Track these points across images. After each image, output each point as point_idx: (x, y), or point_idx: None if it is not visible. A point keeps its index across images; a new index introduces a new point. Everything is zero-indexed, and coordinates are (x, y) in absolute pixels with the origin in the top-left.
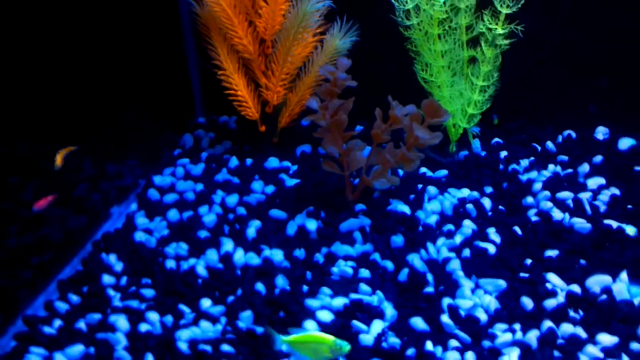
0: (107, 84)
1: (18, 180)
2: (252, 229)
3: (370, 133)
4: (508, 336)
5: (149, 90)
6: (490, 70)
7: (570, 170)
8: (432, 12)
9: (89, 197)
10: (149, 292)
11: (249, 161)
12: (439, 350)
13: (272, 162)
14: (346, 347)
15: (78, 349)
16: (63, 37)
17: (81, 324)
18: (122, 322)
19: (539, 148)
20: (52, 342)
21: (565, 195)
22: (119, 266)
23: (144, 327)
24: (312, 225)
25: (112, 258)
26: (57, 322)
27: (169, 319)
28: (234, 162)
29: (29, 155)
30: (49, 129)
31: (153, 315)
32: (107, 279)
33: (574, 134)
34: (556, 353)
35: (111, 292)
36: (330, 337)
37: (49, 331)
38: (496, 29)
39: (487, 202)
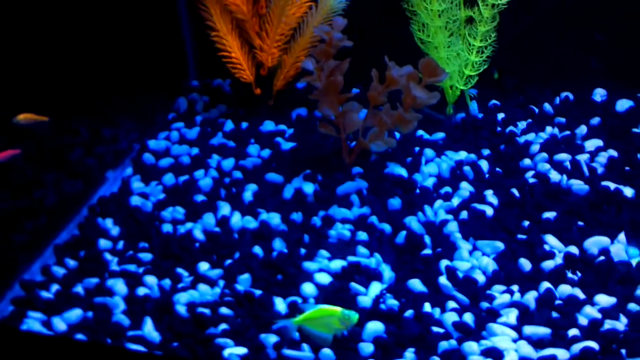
0: (100, 48)
1: (10, 144)
2: (249, 192)
3: (367, 95)
4: (506, 297)
5: (141, 53)
6: (488, 30)
7: (567, 132)
8: None
9: (83, 161)
10: (146, 256)
11: (244, 125)
12: (437, 311)
13: (268, 125)
14: (355, 316)
15: (76, 313)
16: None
17: (79, 289)
18: (119, 286)
19: (537, 110)
20: (50, 306)
21: (563, 157)
22: (115, 230)
23: (142, 291)
24: (309, 188)
25: (108, 222)
26: (55, 287)
27: (167, 282)
28: (229, 125)
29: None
30: (43, 94)
31: (151, 279)
32: (104, 243)
33: (571, 96)
34: (554, 314)
35: (108, 256)
36: (337, 309)
37: (47, 296)
38: None
39: (484, 165)
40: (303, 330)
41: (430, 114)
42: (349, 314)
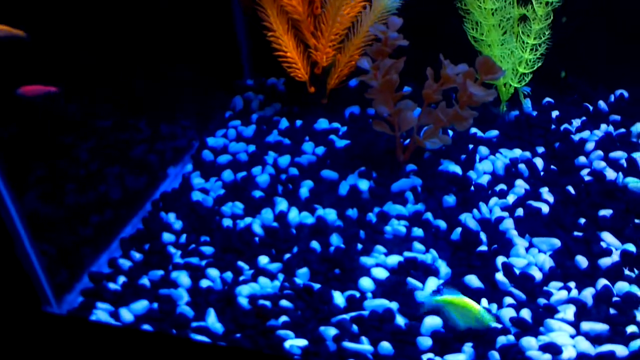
0: (160, 49)
1: (77, 142)
2: (305, 189)
3: (421, 93)
4: (563, 294)
5: (199, 53)
6: (542, 28)
7: (622, 130)
8: None
9: (146, 158)
10: (208, 250)
11: (298, 122)
12: (494, 307)
13: (322, 123)
14: (488, 318)
15: (142, 304)
16: (117, 2)
17: (144, 280)
18: (183, 278)
19: (591, 108)
20: (118, 297)
21: (619, 154)
22: (178, 224)
23: (204, 283)
24: (364, 185)
25: (171, 217)
26: (122, 279)
27: (228, 275)
28: (284, 123)
29: (86, 116)
30: (107, 93)
31: (213, 272)
32: (167, 236)
33: (626, 93)
34: (612, 310)
35: (172, 249)
36: (477, 306)
37: (114, 287)
38: None
39: (539, 162)
40: (441, 309)
41: (490, 109)
42: (483, 315)
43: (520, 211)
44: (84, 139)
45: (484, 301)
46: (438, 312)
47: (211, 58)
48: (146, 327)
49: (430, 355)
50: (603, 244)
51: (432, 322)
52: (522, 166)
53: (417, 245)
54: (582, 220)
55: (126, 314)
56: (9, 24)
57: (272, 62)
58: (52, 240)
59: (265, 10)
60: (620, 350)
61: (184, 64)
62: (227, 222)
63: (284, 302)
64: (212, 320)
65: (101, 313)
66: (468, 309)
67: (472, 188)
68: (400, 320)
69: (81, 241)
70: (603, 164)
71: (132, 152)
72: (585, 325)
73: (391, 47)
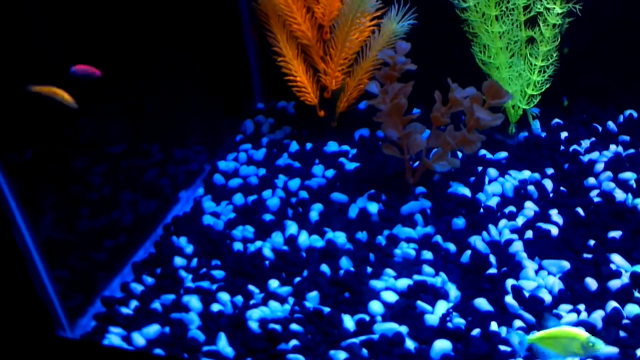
0: (172, 73)
1: (90, 167)
2: (315, 212)
3: (429, 116)
4: (573, 316)
5: (210, 77)
6: (549, 50)
7: (632, 151)
8: None
9: (158, 182)
10: (219, 273)
11: (308, 146)
12: (503, 330)
13: (332, 146)
14: (600, 344)
15: (154, 328)
16: (127, 25)
17: (156, 305)
18: (194, 302)
19: (600, 128)
20: (130, 321)
21: (628, 175)
22: (189, 248)
23: (215, 307)
24: (373, 208)
25: (182, 241)
26: (134, 303)
27: (239, 299)
28: (294, 146)
29: (99, 140)
30: (120, 117)
31: (224, 296)
32: (179, 260)
33: (635, 114)
34: (622, 333)
35: (183, 273)
36: (583, 333)
37: (126, 311)
38: (554, 8)
39: (548, 184)
40: (534, 347)
41: (497, 138)
42: (594, 342)
43: (529, 233)
44: (97, 164)
45: (494, 324)
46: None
47: (222, 82)
48: (158, 351)
49: None
50: (612, 266)
51: (441, 345)
52: (531, 188)
53: (427, 269)
54: (592, 242)
55: (138, 338)
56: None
57: (283, 85)
58: (66, 265)
59: (275, 36)
60: None
61: (196, 88)
62: (237, 245)
63: (294, 326)
64: (222, 344)
65: (114, 337)
66: (571, 338)
67: (482, 210)
68: (410, 344)
69: (94, 266)
70: (612, 185)
71: (144, 177)
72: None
73: (399, 71)
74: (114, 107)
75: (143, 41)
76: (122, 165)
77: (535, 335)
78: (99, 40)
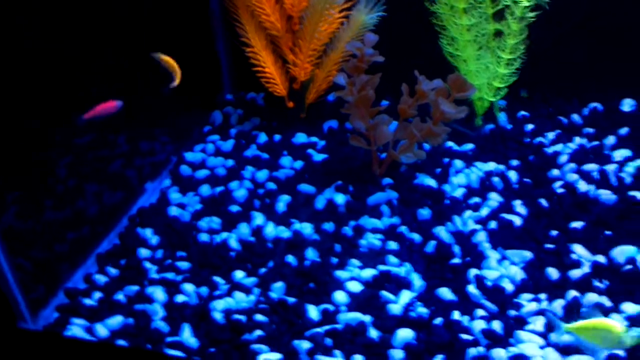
0: (139, 63)
1: (54, 157)
2: (282, 203)
3: (397, 108)
4: (534, 305)
5: (179, 68)
6: (516, 43)
7: (596, 143)
8: None
9: (124, 173)
10: (184, 265)
11: (277, 137)
12: (465, 319)
13: (300, 137)
14: (637, 339)
15: (117, 319)
16: (92, 13)
17: (120, 296)
18: (159, 293)
19: (565, 121)
20: (93, 313)
21: (591, 167)
22: (154, 240)
23: (180, 298)
24: (340, 199)
25: (147, 232)
26: (97, 294)
27: (204, 290)
28: (262, 138)
29: (65, 131)
30: (84, 106)
31: (189, 287)
32: (144, 252)
33: (600, 106)
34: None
35: (148, 264)
36: (621, 326)
37: (90, 303)
38: (521, 1)
39: (513, 175)
40: (573, 336)
41: (461, 130)
42: (629, 335)
43: (493, 224)
44: (61, 154)
45: (456, 313)
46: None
47: (191, 73)
48: (121, 342)
49: None
50: (574, 256)
51: (404, 334)
52: (496, 179)
53: (392, 259)
54: (554, 233)
55: (101, 330)
56: None
57: (252, 76)
58: (28, 257)
59: (244, 26)
60: None
61: (163, 78)
62: (203, 237)
63: (259, 317)
64: (186, 335)
65: (76, 329)
66: (609, 330)
67: (447, 201)
68: (373, 333)
69: (57, 257)
70: (575, 176)
71: (109, 168)
72: (555, 336)
73: (367, 63)
74: (79, 97)
75: (108, 30)
76: (87, 155)
77: (573, 324)
78: (63, 29)
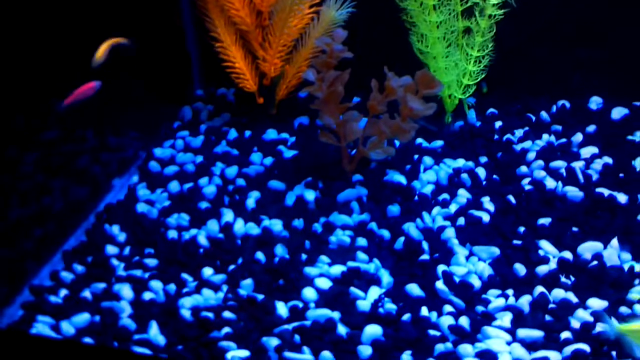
0: (107, 57)
1: (19, 153)
2: (252, 199)
3: (367, 104)
4: (501, 301)
5: (147, 62)
6: (485, 40)
7: (564, 140)
8: None
9: (90, 168)
10: (152, 262)
11: (247, 133)
12: (433, 315)
13: (271, 133)
14: None
15: (84, 317)
16: (63, 10)
17: (86, 293)
18: (126, 290)
19: (534, 118)
20: (59, 310)
21: (559, 164)
22: (122, 237)
23: (147, 296)
24: (310, 195)
25: (115, 229)
26: (63, 292)
27: (172, 287)
28: (232, 134)
29: (30, 127)
30: (48, 101)
31: (156, 284)
32: (111, 249)
33: (568, 104)
34: (547, 317)
35: (115, 261)
36: None
37: (55, 300)
38: None
39: (481, 172)
40: (622, 339)
41: (425, 126)
42: None
43: (461, 220)
44: (27, 150)
45: (424, 309)
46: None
47: (160, 67)
48: (88, 340)
49: None
50: (541, 252)
51: (372, 330)
52: (464, 176)
53: (361, 255)
54: (522, 229)
55: (67, 327)
56: None
57: (223, 72)
58: None
59: (213, 21)
60: (554, 356)
61: (132, 73)
62: (172, 233)
63: (227, 314)
64: (154, 332)
65: (42, 326)
66: None
67: (416, 198)
68: (341, 329)
69: (22, 254)
70: (543, 173)
71: (76, 163)
72: (521, 332)
73: (336, 59)
74: (44, 90)
75: (74, 24)
76: (53, 151)
77: (626, 326)
78: (28, 23)
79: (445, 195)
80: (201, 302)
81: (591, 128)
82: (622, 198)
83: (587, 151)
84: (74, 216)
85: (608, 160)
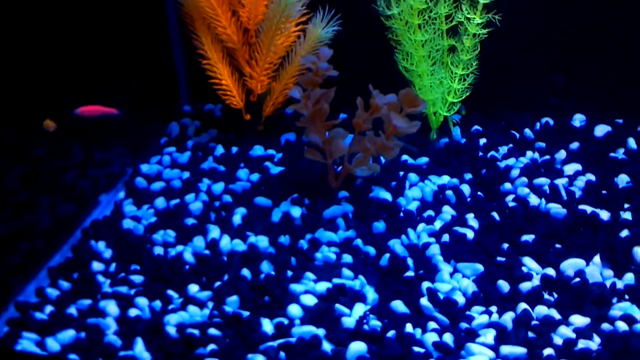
0: (95, 75)
1: (5, 167)
2: (238, 216)
3: (352, 122)
4: (484, 318)
5: (134, 79)
6: (470, 59)
7: (547, 157)
8: (413, 2)
9: (77, 184)
10: (137, 278)
11: (234, 149)
12: (418, 332)
13: (257, 150)
14: None
15: (69, 333)
16: (51, 27)
17: (72, 310)
18: (112, 307)
19: (518, 135)
20: (44, 327)
21: (542, 181)
22: (108, 253)
23: (133, 312)
24: (296, 212)
25: (101, 245)
26: (49, 308)
27: (157, 304)
28: (219, 150)
29: (16, 141)
30: (38, 118)
31: (142, 301)
32: (97, 265)
33: (551, 121)
34: (530, 334)
35: (101, 278)
36: None
37: (41, 317)
38: (474, 18)
39: (466, 189)
40: None
41: (406, 146)
42: None
43: (446, 237)
44: (13, 165)
45: (409, 326)
46: None
47: (148, 84)
48: (73, 356)
49: None
50: (524, 269)
51: (357, 347)
52: (449, 193)
53: (346, 272)
54: (506, 246)
55: (53, 344)
56: None
57: (210, 88)
58: None
59: (200, 38)
60: None
61: (119, 89)
62: (158, 250)
63: (213, 331)
64: (139, 349)
65: (27, 343)
66: None
67: (401, 214)
68: (326, 346)
69: (8, 270)
70: (527, 190)
71: (62, 179)
72: (505, 349)
73: (322, 77)
74: (32, 106)
75: (64, 40)
76: (40, 167)
77: None
78: (20, 43)
79: (430, 212)
80: (187, 318)
81: (574, 145)
82: (604, 215)
83: (571, 168)
84: (60, 232)
85: (591, 177)
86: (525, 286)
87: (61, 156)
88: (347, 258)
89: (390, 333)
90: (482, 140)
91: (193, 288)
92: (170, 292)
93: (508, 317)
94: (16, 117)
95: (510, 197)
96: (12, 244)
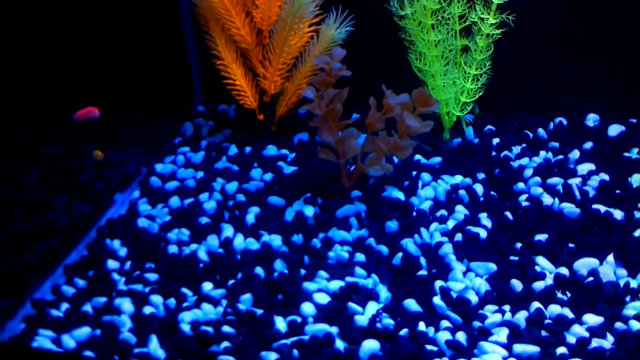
0: (109, 75)
1: (23, 167)
2: (251, 215)
3: (365, 122)
4: (497, 317)
5: (149, 79)
6: (483, 59)
7: (561, 157)
8: (426, 2)
9: (93, 184)
10: (152, 276)
11: (247, 149)
12: (431, 330)
13: (271, 150)
14: None
15: (85, 331)
16: (65, 27)
17: (87, 307)
18: (126, 305)
19: (531, 135)
20: (60, 324)
21: (556, 181)
22: (123, 251)
23: (148, 310)
24: (309, 211)
25: (116, 244)
26: (65, 306)
27: (172, 301)
28: (233, 150)
29: (34, 142)
30: (53, 117)
31: (156, 298)
32: (112, 263)
33: (565, 121)
34: (543, 333)
35: (116, 276)
36: None
37: (57, 314)
38: (488, 18)
39: (479, 188)
40: None
41: (420, 145)
42: None
43: (459, 236)
44: (31, 164)
45: (422, 324)
46: None
47: (162, 84)
48: (88, 353)
49: None
50: (537, 268)
51: (370, 345)
52: (462, 192)
53: (359, 271)
54: (519, 245)
55: (69, 341)
56: None
57: (223, 88)
58: None
59: (214, 39)
60: None
61: (134, 90)
62: (172, 248)
63: (226, 328)
64: (154, 346)
65: (43, 340)
66: None
67: (414, 214)
68: (339, 344)
69: (25, 268)
70: (540, 190)
71: (79, 179)
72: (518, 348)
73: (335, 77)
74: (49, 107)
75: (79, 41)
76: (57, 166)
77: None
78: (33, 41)
79: (443, 212)
80: (201, 316)
81: (588, 145)
82: (618, 214)
83: (584, 168)
84: (75, 231)
85: (605, 177)
86: (539, 285)
87: (77, 156)
88: (360, 257)
89: (403, 331)
90: (495, 140)
91: (207, 286)
92: (185, 290)
93: (521, 316)
94: (33, 117)
95: (523, 197)
96: (29, 242)
